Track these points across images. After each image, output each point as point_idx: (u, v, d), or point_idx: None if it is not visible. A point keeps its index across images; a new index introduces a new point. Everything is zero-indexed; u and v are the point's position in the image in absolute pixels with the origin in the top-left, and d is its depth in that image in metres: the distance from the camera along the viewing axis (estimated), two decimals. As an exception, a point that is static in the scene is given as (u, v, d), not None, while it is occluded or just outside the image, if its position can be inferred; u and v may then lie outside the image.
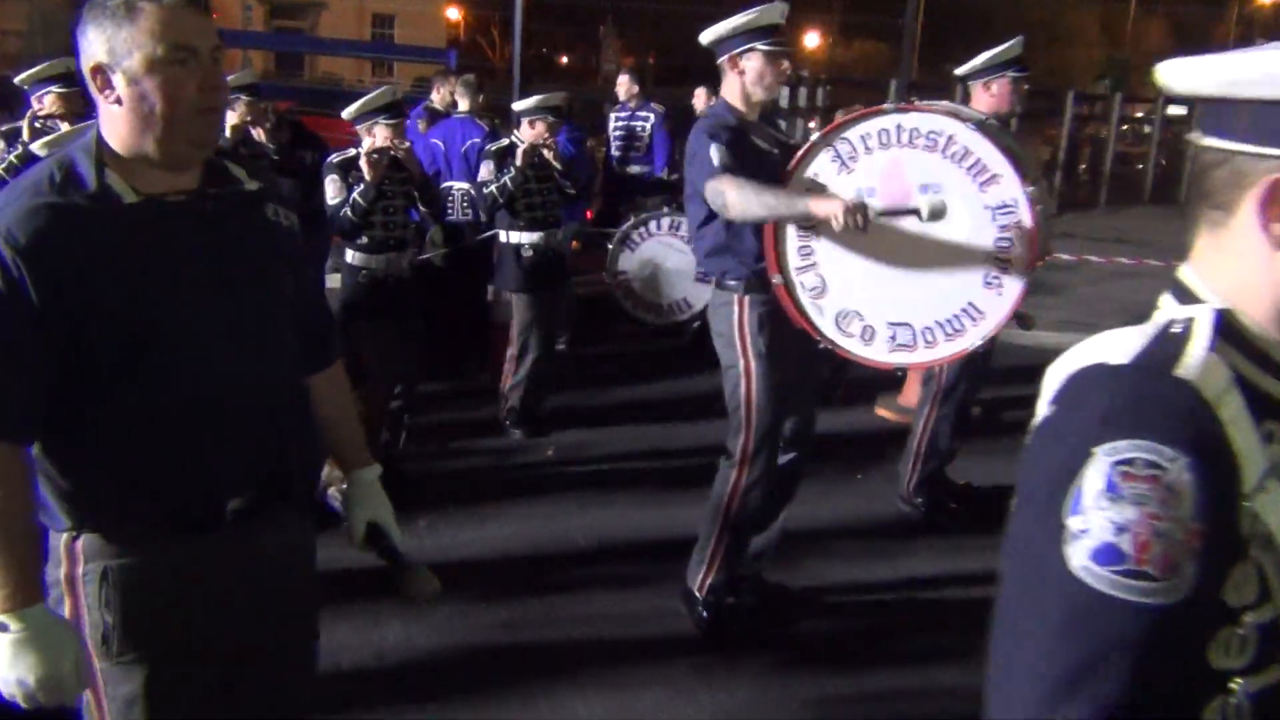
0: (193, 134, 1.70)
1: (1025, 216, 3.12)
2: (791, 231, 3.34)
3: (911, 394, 5.92)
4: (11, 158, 4.32)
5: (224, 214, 1.80)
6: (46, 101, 5.26)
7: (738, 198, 3.19)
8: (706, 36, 3.42)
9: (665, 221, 6.68)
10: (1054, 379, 1.11)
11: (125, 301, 1.66)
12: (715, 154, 3.25)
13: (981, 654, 1.08)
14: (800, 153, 3.32)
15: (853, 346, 3.39)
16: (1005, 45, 4.28)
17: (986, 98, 4.29)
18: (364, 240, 4.68)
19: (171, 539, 1.76)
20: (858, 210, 3.02)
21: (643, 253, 6.69)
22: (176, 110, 1.66)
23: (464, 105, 6.71)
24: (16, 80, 5.71)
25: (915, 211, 3.18)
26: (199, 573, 1.78)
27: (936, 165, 3.17)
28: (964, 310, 3.24)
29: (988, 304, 3.22)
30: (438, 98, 7.42)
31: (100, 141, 1.72)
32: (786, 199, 3.20)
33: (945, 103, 3.63)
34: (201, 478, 1.78)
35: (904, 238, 3.25)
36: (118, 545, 1.73)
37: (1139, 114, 22.26)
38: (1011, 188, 3.11)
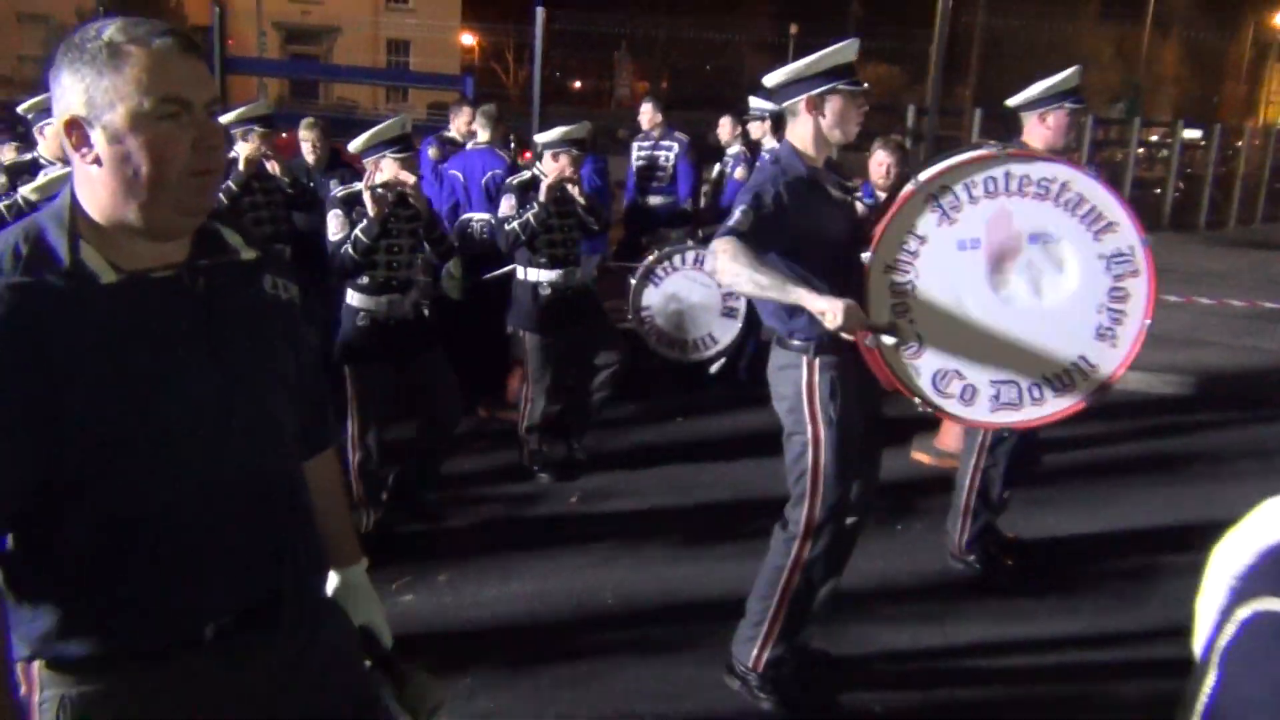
0: (184, 201, 1.46)
1: (1143, 266, 2.99)
2: (883, 287, 3.12)
3: (949, 437, 5.69)
4: (18, 198, 4.13)
5: (217, 290, 1.56)
6: (47, 133, 5.11)
7: (729, 263, 2.83)
8: (776, 79, 3.17)
9: (690, 255, 6.46)
10: (1249, 549, 0.89)
11: (101, 397, 1.42)
12: (739, 215, 2.95)
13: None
14: (898, 202, 3.12)
15: (952, 407, 3.19)
16: (1062, 76, 4.05)
17: (1041, 130, 4.06)
18: (364, 281, 4.46)
19: (143, 665, 1.51)
20: (854, 317, 2.75)
21: (666, 288, 6.48)
22: (165, 174, 1.43)
23: (484, 136, 6.52)
24: (19, 109, 5.56)
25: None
26: (170, 704, 1.53)
27: (1048, 214, 3.02)
28: (1075, 364, 3.10)
29: (1100, 356, 3.09)
30: (455, 127, 7.24)
31: (75, 207, 1.47)
32: (779, 283, 2.82)
33: (1040, 152, 3.46)
34: (183, 595, 1.53)
35: (1009, 290, 3.07)
36: (77, 673, 1.49)
37: (1154, 137, 22.07)
38: (1128, 235, 2.99)
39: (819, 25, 31.42)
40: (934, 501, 4.77)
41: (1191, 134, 20.60)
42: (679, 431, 6.23)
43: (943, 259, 3.07)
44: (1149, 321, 3.02)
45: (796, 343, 3.20)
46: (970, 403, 3.17)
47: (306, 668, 1.69)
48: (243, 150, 5.47)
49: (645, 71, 36.95)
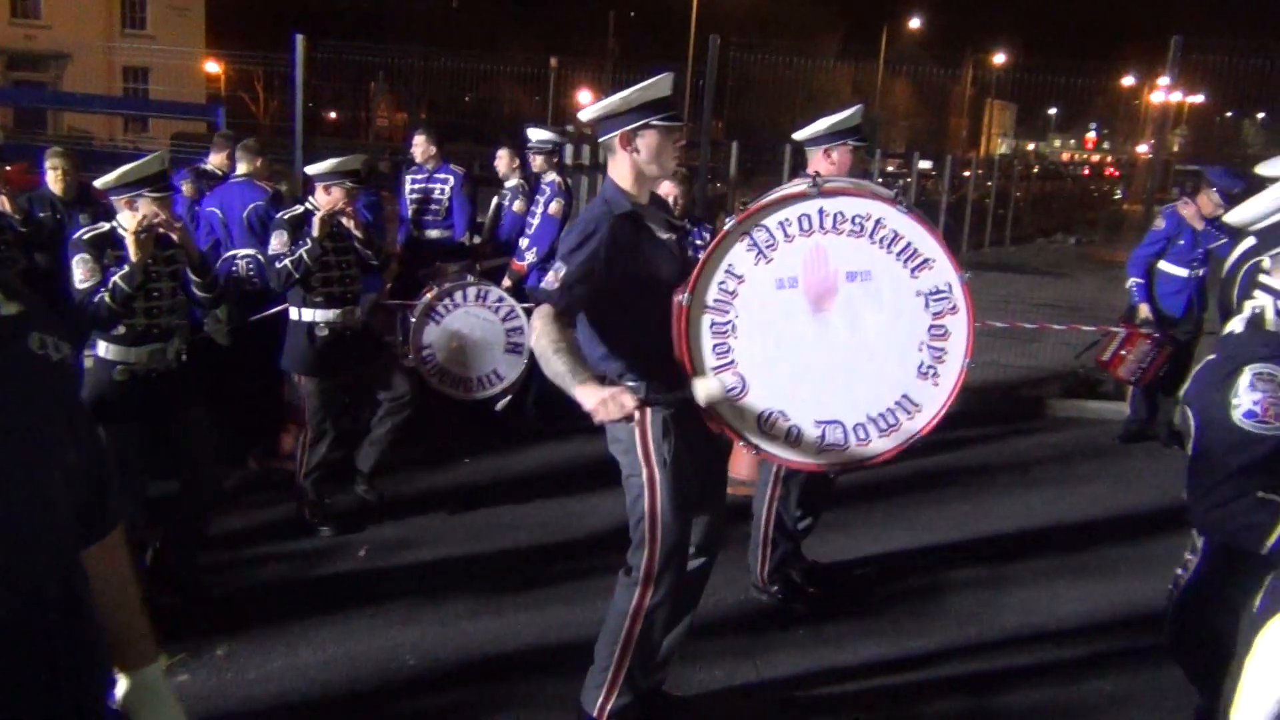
0: None
1: (961, 303, 2.92)
2: (705, 328, 3.03)
3: (740, 464, 5.73)
4: None
5: None
6: None
7: (536, 341, 2.93)
8: (590, 113, 3.08)
9: (471, 291, 6.27)
10: None
11: None
12: (553, 275, 2.95)
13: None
14: (714, 241, 3.01)
15: (778, 450, 3.11)
16: (845, 114, 4.17)
17: (826, 165, 4.16)
18: (121, 331, 4.03)
19: None
20: (618, 404, 2.77)
21: (448, 325, 6.24)
22: None
23: (243, 169, 6.13)
24: None
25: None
26: None
27: (864, 252, 2.93)
28: (898, 403, 3.02)
29: (923, 395, 2.99)
30: (214, 160, 6.75)
31: None
32: (567, 374, 2.85)
33: (854, 180, 3.39)
34: None
35: (829, 329, 2.98)
36: None
37: (890, 168, 23.55)
38: (945, 272, 2.91)
39: (577, 59, 31.80)
40: (732, 531, 4.74)
41: (925, 164, 22.13)
42: (469, 473, 6.01)
43: (762, 298, 2.99)
44: (969, 360, 2.94)
45: (630, 384, 3.07)
46: (796, 445, 3.10)
47: None
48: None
49: (403, 102, 36.27)
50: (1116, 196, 34.98)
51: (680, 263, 3.15)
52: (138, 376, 4.07)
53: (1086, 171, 40.99)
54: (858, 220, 2.93)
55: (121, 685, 1.63)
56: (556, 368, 2.87)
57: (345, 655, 3.87)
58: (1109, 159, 52.18)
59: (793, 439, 3.09)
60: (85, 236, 4.04)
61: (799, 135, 4.24)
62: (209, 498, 4.38)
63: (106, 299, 3.90)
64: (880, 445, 3.08)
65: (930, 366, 2.97)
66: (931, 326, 2.96)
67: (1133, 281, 6.90)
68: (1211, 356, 2.36)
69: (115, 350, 4.04)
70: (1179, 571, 2.49)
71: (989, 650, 4.12)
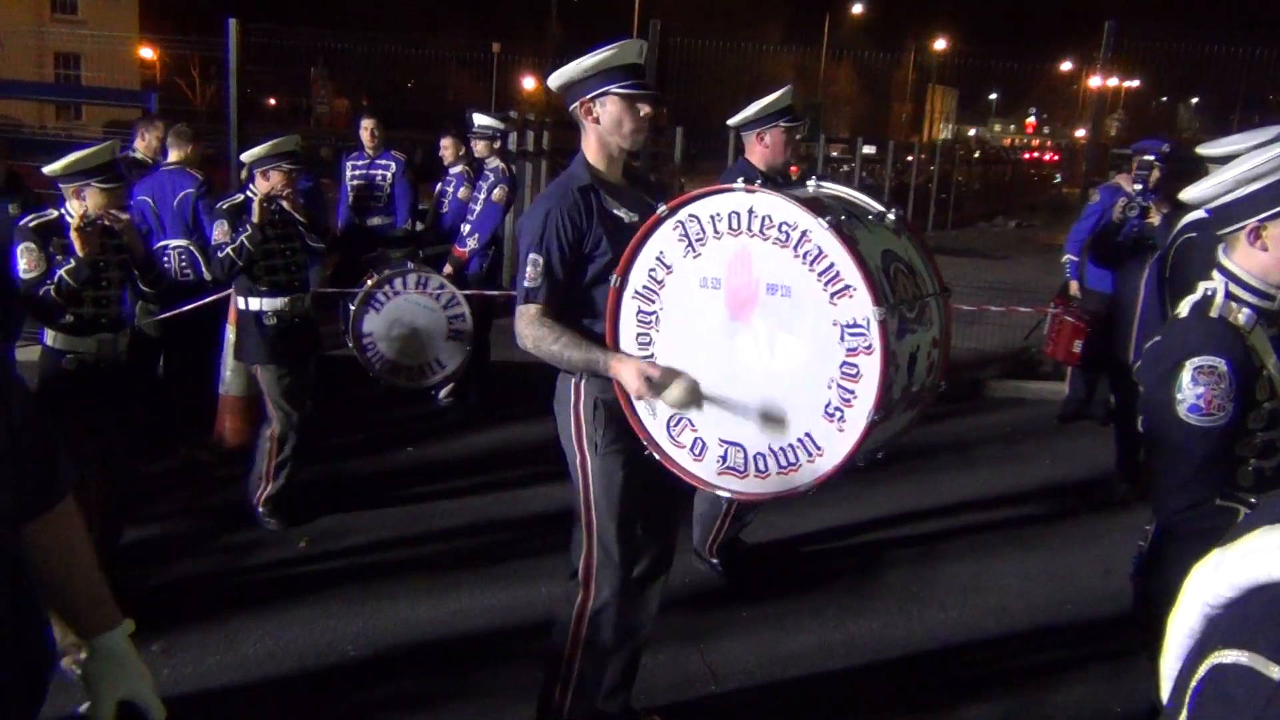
0: None
1: (876, 343, 2.47)
2: (628, 315, 2.83)
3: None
4: None
5: None
6: None
7: (532, 345, 2.83)
8: (555, 80, 2.89)
9: (411, 278, 6.20)
10: (1229, 579, 1.06)
11: None
12: (529, 268, 2.80)
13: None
14: (645, 226, 2.78)
15: (681, 458, 2.81)
16: (775, 96, 4.20)
17: (760, 149, 4.19)
18: (69, 320, 3.95)
19: None
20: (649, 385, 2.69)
21: (389, 313, 6.17)
22: None
23: (175, 155, 6.01)
24: None
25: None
26: None
27: (787, 265, 2.57)
28: (800, 441, 2.62)
29: (826, 438, 2.58)
30: (141, 146, 6.60)
31: None
32: (588, 355, 2.77)
33: (838, 188, 2.95)
34: None
35: (744, 342, 2.69)
36: None
37: (835, 154, 23.69)
38: (864, 305, 2.47)
39: (521, 44, 31.63)
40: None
41: (869, 149, 22.31)
42: (411, 461, 5.94)
43: (687, 293, 2.75)
44: (876, 416, 2.48)
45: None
46: (700, 458, 2.79)
47: None
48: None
49: (345, 88, 35.78)
50: (1056, 180, 35.50)
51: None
52: (87, 366, 3.99)
53: (1027, 156, 41.52)
54: (784, 228, 2.58)
55: (83, 654, 1.63)
56: (575, 358, 2.79)
57: (285, 648, 3.82)
58: (1048, 143, 52.93)
59: (697, 451, 2.80)
60: (31, 224, 3.95)
61: (733, 121, 4.25)
62: (121, 500, 4.27)
63: (52, 292, 3.83)
64: (778, 483, 2.70)
65: (838, 409, 2.56)
66: (844, 363, 2.54)
67: (1067, 258, 6.97)
68: (1157, 339, 2.36)
69: (64, 340, 3.98)
70: (1140, 543, 2.50)
71: (930, 627, 4.17)
